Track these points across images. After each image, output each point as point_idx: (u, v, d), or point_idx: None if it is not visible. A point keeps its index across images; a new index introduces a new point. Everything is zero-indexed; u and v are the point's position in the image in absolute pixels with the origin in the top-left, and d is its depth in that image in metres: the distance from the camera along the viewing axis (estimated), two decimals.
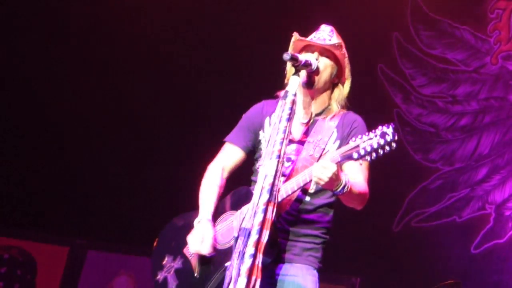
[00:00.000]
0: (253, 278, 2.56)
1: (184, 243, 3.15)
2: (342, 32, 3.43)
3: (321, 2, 6.72)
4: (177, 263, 3.23)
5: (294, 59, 2.82)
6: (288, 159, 3.09)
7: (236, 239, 2.78)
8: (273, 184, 2.59)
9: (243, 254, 2.55)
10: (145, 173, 7.06)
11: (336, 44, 3.09)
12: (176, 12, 7.22)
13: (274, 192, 2.60)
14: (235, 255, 2.62)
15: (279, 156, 2.62)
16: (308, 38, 3.13)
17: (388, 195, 6.28)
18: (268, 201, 2.57)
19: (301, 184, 2.93)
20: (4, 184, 7.00)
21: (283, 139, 2.65)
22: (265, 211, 2.58)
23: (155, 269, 3.26)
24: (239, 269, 2.53)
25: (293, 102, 2.67)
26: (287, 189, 2.96)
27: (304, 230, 3.10)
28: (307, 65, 2.91)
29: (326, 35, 3.13)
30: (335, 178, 2.80)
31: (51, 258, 6.74)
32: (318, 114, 3.16)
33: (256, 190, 2.62)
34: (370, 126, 2.96)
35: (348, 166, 2.98)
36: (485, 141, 6.50)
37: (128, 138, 7.22)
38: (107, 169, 7.13)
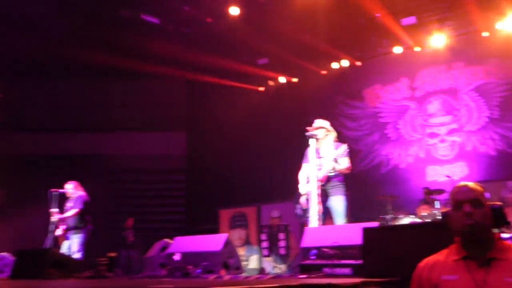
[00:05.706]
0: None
1: None
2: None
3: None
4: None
5: (312, 134, 7.26)
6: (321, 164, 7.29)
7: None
8: (316, 179, 7.21)
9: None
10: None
11: None
12: None
13: (318, 180, 7.23)
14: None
15: (316, 177, 7.21)
16: None
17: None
18: (317, 180, 7.24)
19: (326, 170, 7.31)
20: None
21: (316, 166, 7.24)
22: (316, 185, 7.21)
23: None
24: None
25: (316, 150, 7.31)
26: (322, 173, 7.29)
27: (336, 183, 7.37)
28: (313, 136, 7.26)
29: None
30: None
31: None
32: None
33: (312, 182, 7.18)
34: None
35: (340, 160, 7.30)
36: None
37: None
38: None
